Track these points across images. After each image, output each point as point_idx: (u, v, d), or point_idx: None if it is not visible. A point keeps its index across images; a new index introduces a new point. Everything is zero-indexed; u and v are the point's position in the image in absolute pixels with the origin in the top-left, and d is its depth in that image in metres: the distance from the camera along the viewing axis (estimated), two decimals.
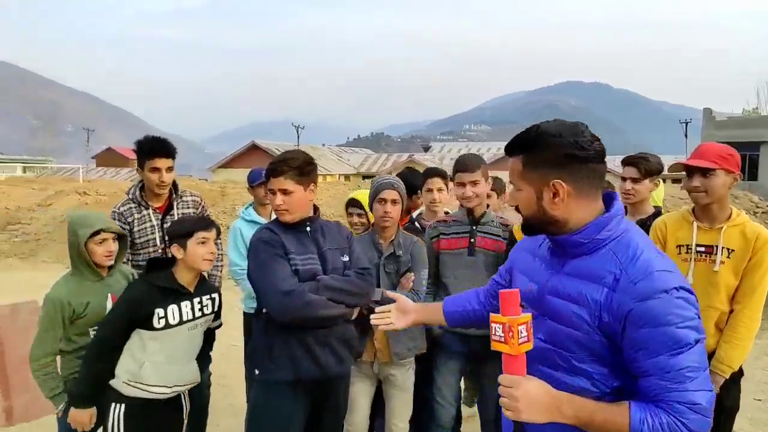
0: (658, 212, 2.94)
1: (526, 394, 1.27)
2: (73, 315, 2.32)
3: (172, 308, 2.22)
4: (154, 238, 3.02)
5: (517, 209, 2.55)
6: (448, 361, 2.82)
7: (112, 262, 2.41)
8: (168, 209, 3.08)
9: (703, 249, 2.33)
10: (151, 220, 3.02)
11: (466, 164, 2.78)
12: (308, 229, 2.28)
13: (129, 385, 2.18)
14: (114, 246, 2.39)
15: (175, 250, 2.27)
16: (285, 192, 2.19)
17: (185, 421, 2.41)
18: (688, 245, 2.37)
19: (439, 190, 3.23)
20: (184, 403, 2.39)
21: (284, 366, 2.15)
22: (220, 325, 2.57)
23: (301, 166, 2.22)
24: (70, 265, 2.48)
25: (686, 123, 42.19)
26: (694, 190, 2.31)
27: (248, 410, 2.26)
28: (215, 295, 2.43)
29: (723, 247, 2.29)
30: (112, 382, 2.21)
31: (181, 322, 2.24)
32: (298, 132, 48.52)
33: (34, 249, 12.43)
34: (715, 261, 2.29)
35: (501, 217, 2.92)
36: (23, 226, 14.53)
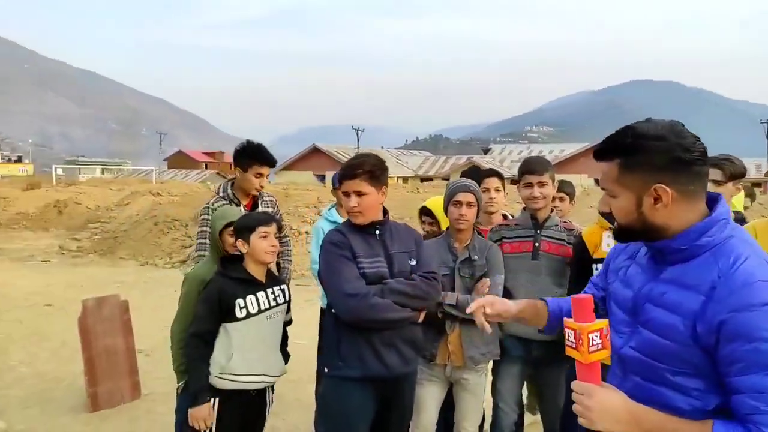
0: (739, 219, 2.79)
1: (601, 404, 1.21)
2: None
3: (250, 298, 2.35)
4: None
5: (606, 216, 2.49)
6: (510, 365, 2.79)
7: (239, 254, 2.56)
8: (253, 207, 3.34)
9: None
10: None
11: (534, 165, 2.75)
12: (377, 231, 2.33)
13: (220, 378, 2.30)
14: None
15: (241, 245, 2.40)
16: (359, 194, 2.25)
17: (267, 417, 2.52)
18: None
19: (497, 189, 3.18)
20: (268, 399, 2.50)
21: (352, 363, 2.21)
22: (290, 321, 2.66)
23: (374, 169, 2.28)
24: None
25: None
26: None
27: (318, 404, 2.35)
28: (284, 287, 2.55)
29: None
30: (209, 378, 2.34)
31: (259, 311, 2.36)
32: (357, 135, 49.14)
33: (113, 246, 13.24)
34: None
35: (565, 222, 2.88)
36: (103, 225, 15.52)
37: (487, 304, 1.60)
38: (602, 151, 1.34)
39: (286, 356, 2.59)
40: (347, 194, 2.28)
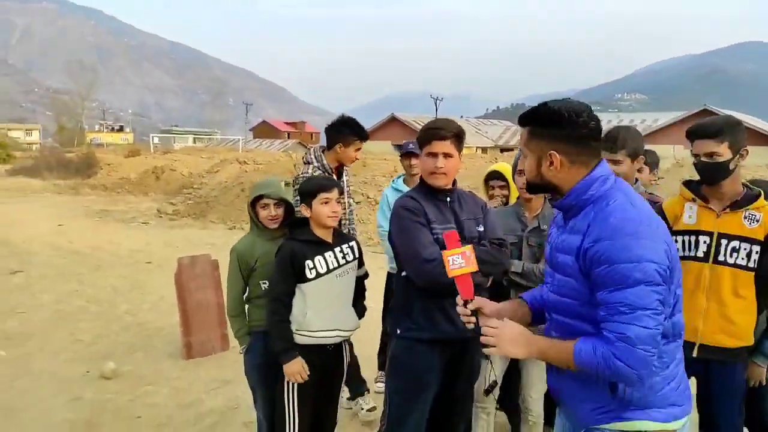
0: None
1: (507, 333, 1.59)
2: (248, 267, 2.68)
3: (318, 259, 2.46)
4: None
5: (689, 185, 2.40)
6: None
7: (276, 226, 2.67)
8: (339, 176, 3.51)
9: None
10: None
11: (608, 141, 2.63)
12: (448, 198, 2.38)
13: (298, 334, 2.46)
14: (276, 211, 2.65)
15: (304, 210, 2.50)
16: (447, 155, 2.31)
17: (345, 371, 2.67)
18: None
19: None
20: (344, 354, 2.64)
21: (424, 325, 2.31)
22: (366, 274, 2.73)
23: (459, 133, 2.35)
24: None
25: None
26: None
27: (388, 364, 2.47)
28: (353, 243, 2.62)
29: None
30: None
31: (329, 270, 2.47)
32: (436, 104, 48.54)
33: (204, 210, 14.14)
34: None
35: (650, 194, 2.77)
36: (195, 190, 16.56)
37: (480, 303, 1.80)
38: (522, 118, 1.66)
39: (363, 309, 2.68)
40: (433, 155, 2.31)
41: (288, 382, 2.47)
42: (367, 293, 2.76)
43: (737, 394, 2.34)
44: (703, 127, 2.25)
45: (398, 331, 2.40)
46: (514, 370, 2.81)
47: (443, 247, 1.85)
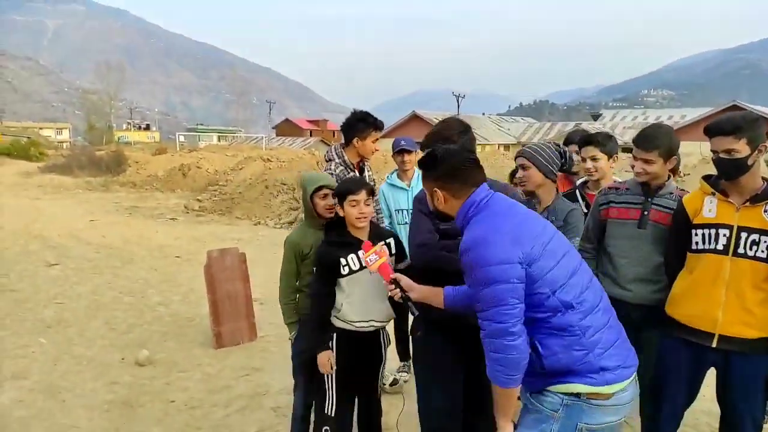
0: None
1: (415, 288, 2.25)
2: (301, 255, 2.83)
3: (351, 257, 2.57)
4: None
5: (709, 180, 2.44)
6: None
7: (332, 215, 2.76)
8: (360, 171, 3.61)
9: None
10: None
11: (640, 140, 2.67)
12: None
13: (338, 318, 2.63)
14: (334, 201, 2.75)
15: (339, 210, 2.62)
16: None
17: (384, 356, 2.79)
18: None
19: (592, 159, 3.20)
20: (383, 340, 2.76)
21: (423, 308, 2.37)
22: (410, 265, 2.74)
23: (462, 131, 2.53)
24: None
25: None
26: None
27: (414, 347, 2.60)
28: (390, 240, 2.70)
29: None
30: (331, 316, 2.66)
31: (361, 267, 2.56)
32: (458, 101, 48.35)
33: (230, 206, 14.43)
34: None
35: (682, 190, 2.73)
36: (221, 187, 16.87)
37: (401, 278, 2.29)
38: (419, 162, 2.13)
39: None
40: None
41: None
42: None
43: (758, 386, 2.36)
44: (720, 125, 2.27)
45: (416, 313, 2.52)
46: None
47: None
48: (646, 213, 2.68)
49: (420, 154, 2.47)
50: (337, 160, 3.52)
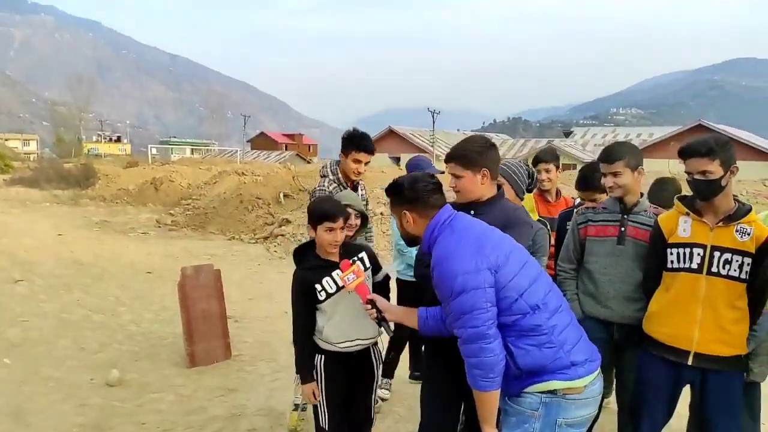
0: None
1: (390, 310, 2.40)
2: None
3: (326, 280, 2.53)
4: None
5: (683, 201, 2.54)
6: None
7: (351, 234, 2.78)
8: (354, 188, 3.57)
9: None
10: None
11: (605, 154, 2.79)
12: (472, 212, 2.44)
13: (322, 341, 2.59)
14: (355, 221, 2.81)
15: (309, 232, 2.56)
16: (455, 176, 2.48)
17: (377, 373, 2.74)
18: None
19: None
20: (373, 357, 2.71)
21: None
22: (387, 276, 2.79)
23: (460, 155, 2.53)
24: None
25: None
26: None
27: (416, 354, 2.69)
28: (362, 254, 2.65)
29: None
30: (315, 338, 2.63)
31: (338, 288, 2.54)
32: (433, 117, 48.81)
33: (204, 221, 14.24)
34: None
35: (655, 207, 2.82)
36: (194, 201, 16.66)
37: (377, 299, 2.41)
38: (386, 191, 2.30)
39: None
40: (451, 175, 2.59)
41: (317, 381, 2.62)
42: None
43: (735, 403, 2.41)
44: (694, 147, 2.36)
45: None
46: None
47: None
48: (623, 229, 2.75)
49: (440, 176, 2.64)
50: (330, 177, 3.49)
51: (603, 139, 42.81)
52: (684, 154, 2.40)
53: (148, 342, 5.43)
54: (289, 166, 23.02)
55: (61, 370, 4.65)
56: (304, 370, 2.61)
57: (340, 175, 3.49)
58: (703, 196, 2.39)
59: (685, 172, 2.41)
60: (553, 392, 1.93)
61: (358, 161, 3.45)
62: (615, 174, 2.73)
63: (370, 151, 3.49)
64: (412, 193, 2.18)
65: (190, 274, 5.01)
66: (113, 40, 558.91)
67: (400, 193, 2.22)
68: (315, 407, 2.67)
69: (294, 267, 2.67)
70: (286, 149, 66.06)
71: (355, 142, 3.44)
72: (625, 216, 2.77)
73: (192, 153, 65.45)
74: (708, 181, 2.33)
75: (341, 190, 3.38)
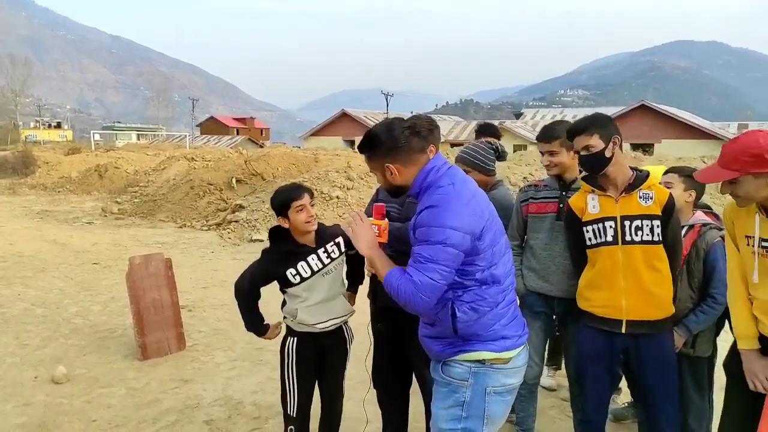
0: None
1: (361, 231, 2.07)
2: None
3: (302, 264, 2.55)
4: None
5: (587, 179, 2.60)
6: (532, 320, 2.88)
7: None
8: None
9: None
10: None
11: (542, 134, 2.90)
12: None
13: (297, 323, 2.60)
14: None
15: (282, 222, 2.57)
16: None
17: (349, 349, 2.79)
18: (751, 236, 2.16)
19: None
20: (346, 334, 2.76)
21: None
22: (357, 253, 2.79)
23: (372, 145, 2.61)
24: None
25: None
26: None
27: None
28: (339, 240, 2.69)
29: None
30: (286, 322, 2.67)
31: (313, 273, 2.57)
32: (387, 100, 48.73)
33: (152, 209, 13.74)
34: None
35: None
36: (142, 189, 16.08)
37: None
38: (359, 148, 2.14)
39: (360, 281, 2.86)
40: None
41: (288, 363, 2.63)
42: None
43: (669, 363, 2.52)
44: (575, 125, 2.54)
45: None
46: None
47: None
48: (562, 205, 2.84)
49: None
50: None
51: (552, 120, 43.67)
52: (568, 135, 2.56)
53: (96, 335, 5.21)
54: (241, 151, 22.48)
55: (2, 368, 4.41)
56: (256, 328, 2.69)
57: None
58: (591, 168, 2.52)
59: (574, 152, 2.56)
60: (481, 362, 2.00)
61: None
62: (551, 153, 2.85)
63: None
64: (391, 141, 2.01)
65: (139, 262, 4.81)
66: (50, 20, 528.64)
67: (378, 145, 2.03)
68: (282, 394, 2.66)
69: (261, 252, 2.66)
70: (237, 133, 64.50)
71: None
72: (564, 193, 2.86)
73: (138, 138, 63.03)
74: (592, 155, 2.46)
75: None
